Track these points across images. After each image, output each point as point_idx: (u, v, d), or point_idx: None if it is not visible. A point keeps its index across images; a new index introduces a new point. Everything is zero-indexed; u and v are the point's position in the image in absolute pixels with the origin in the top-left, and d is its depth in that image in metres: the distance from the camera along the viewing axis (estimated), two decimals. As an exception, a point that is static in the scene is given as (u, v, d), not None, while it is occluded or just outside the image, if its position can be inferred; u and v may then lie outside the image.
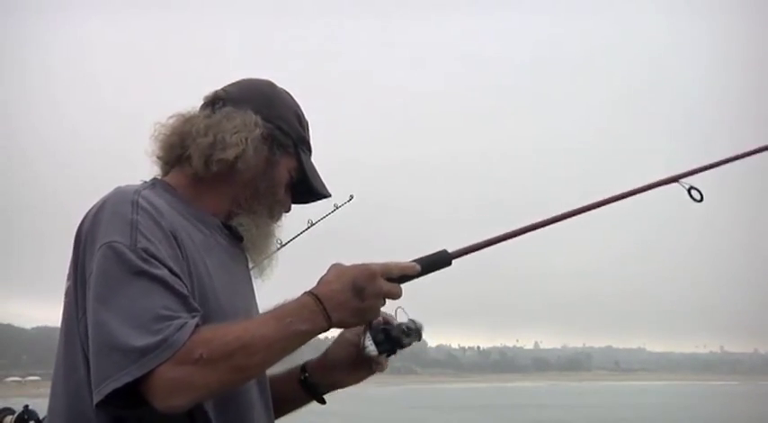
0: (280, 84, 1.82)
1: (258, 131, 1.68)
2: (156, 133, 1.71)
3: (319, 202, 1.90)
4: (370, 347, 1.57)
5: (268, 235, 1.77)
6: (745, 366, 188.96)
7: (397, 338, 1.58)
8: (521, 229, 1.68)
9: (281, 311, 1.49)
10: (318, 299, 1.48)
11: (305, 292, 1.51)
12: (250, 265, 1.80)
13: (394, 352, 1.60)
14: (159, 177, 1.73)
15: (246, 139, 1.66)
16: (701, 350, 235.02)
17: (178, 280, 1.48)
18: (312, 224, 2.62)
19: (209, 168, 1.65)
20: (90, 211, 1.56)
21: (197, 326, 1.42)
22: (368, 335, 1.57)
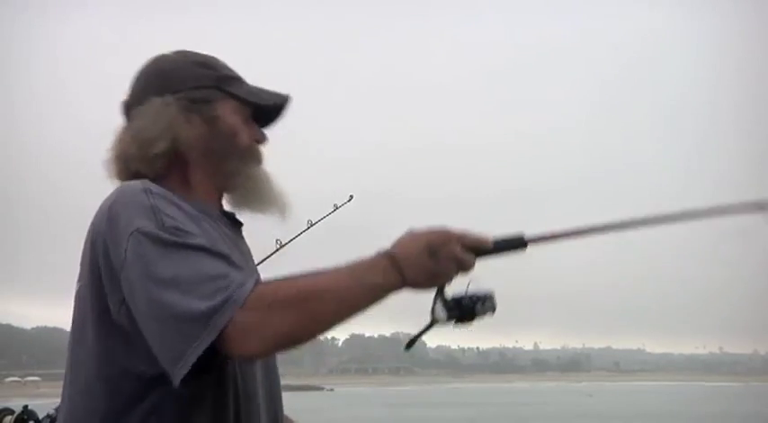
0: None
1: (171, 108, 1.65)
2: (108, 172, 1.69)
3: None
4: (440, 313, 1.53)
5: (262, 177, 1.73)
6: (745, 367, 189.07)
7: (468, 307, 1.53)
8: (601, 226, 1.58)
9: (353, 266, 1.47)
10: (392, 256, 1.47)
11: (378, 251, 1.49)
12: (271, 211, 1.75)
13: (463, 320, 1.54)
14: None
15: (167, 123, 1.64)
16: (701, 351, 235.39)
17: (215, 244, 1.51)
18: (312, 224, 2.63)
19: (153, 167, 1.64)
20: (101, 209, 1.56)
21: (257, 282, 1.43)
22: (438, 301, 1.53)
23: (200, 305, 1.38)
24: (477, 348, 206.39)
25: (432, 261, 1.48)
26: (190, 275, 1.42)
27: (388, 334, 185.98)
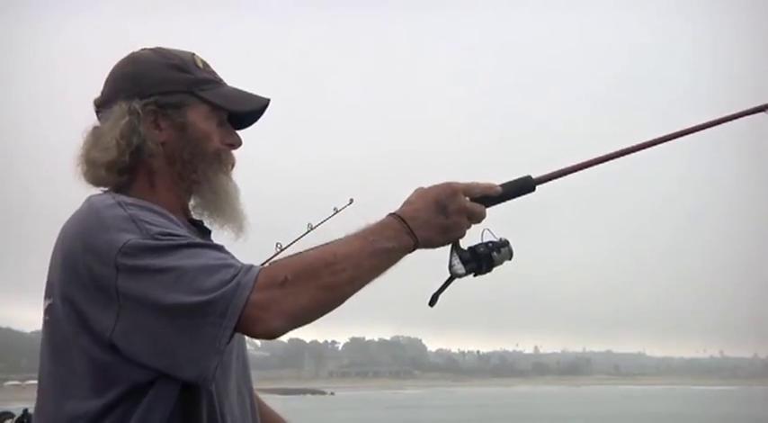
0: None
1: (137, 115, 1.61)
2: (78, 172, 1.67)
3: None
4: (457, 266, 1.54)
5: (227, 189, 1.69)
6: (746, 371, 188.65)
7: (485, 255, 1.55)
8: (605, 156, 1.63)
9: (363, 232, 1.48)
10: (401, 218, 1.48)
11: (388, 214, 1.50)
12: (227, 227, 1.72)
13: (481, 270, 1.56)
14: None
15: (131, 131, 1.61)
16: (701, 355, 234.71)
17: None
18: (312, 228, 2.62)
19: (115, 174, 1.62)
20: (73, 227, 1.54)
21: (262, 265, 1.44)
22: (454, 254, 1.55)
23: (213, 295, 1.37)
24: (478, 352, 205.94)
25: (442, 217, 1.49)
26: (194, 272, 1.40)
27: (388, 337, 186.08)
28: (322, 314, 1.45)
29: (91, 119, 1.68)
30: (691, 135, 1.66)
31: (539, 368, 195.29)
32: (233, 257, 1.49)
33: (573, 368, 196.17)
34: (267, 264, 1.36)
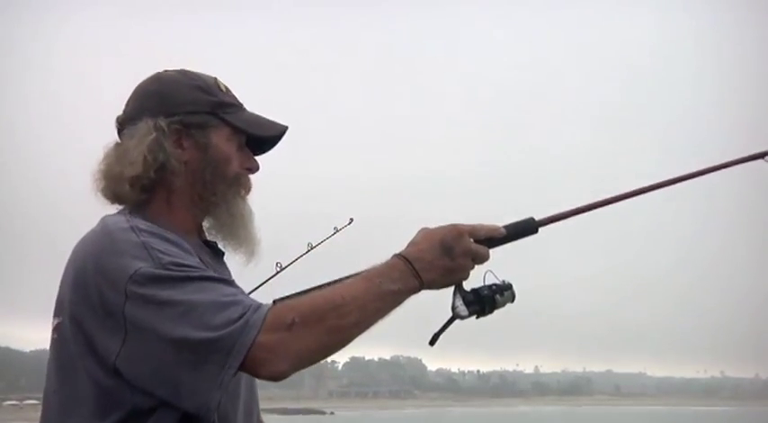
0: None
1: (162, 132, 1.63)
2: (95, 188, 1.67)
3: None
4: (460, 308, 1.55)
5: (243, 213, 1.71)
6: (746, 391, 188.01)
7: (488, 298, 1.56)
8: (605, 200, 1.68)
9: (369, 273, 1.49)
10: (407, 259, 1.49)
11: (393, 255, 1.51)
12: (240, 251, 1.74)
13: (484, 312, 1.58)
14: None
15: (155, 148, 1.62)
16: (702, 375, 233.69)
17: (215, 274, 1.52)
18: (312, 247, 2.62)
19: (135, 190, 1.63)
20: (85, 248, 1.55)
21: (273, 301, 1.46)
22: (458, 296, 1.56)
23: (221, 333, 1.38)
24: (478, 371, 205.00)
25: (447, 259, 1.50)
26: (203, 307, 1.41)
27: (388, 357, 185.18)
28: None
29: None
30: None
31: (539, 388, 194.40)
32: (243, 293, 1.50)
33: (573, 388, 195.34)
34: (266, 283, 1.54)
